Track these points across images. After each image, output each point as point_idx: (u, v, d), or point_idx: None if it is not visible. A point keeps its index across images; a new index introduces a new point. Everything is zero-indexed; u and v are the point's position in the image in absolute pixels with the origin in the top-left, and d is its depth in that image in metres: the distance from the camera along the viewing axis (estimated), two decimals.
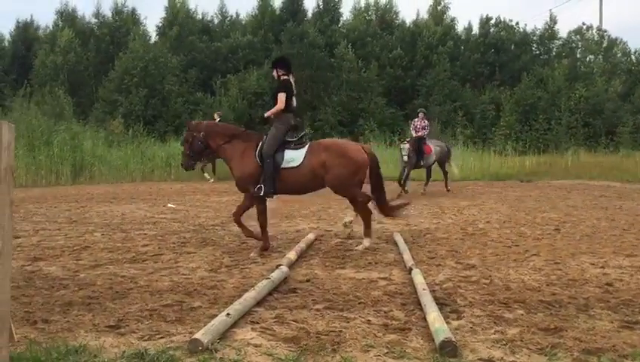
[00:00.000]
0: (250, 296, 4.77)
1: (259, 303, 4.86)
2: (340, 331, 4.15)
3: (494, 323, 4.43)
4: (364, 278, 5.99)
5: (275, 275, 5.57)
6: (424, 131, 15.77)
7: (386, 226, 9.81)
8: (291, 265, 6.38)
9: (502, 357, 3.66)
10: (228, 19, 37.96)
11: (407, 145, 15.17)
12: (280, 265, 6.07)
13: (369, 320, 4.47)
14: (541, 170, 22.61)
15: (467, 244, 8.06)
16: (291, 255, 6.77)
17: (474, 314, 4.69)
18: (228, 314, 4.19)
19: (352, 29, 34.58)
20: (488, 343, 3.94)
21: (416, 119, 16.08)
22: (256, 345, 3.84)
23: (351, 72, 30.82)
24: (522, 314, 4.67)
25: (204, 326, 3.97)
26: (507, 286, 5.65)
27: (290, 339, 3.96)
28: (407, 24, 35.69)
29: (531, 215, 11.21)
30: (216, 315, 4.23)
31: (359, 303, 4.98)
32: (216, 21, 37.68)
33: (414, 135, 15.67)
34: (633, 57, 33.11)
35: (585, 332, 4.16)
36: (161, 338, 4.00)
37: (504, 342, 3.94)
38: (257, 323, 4.36)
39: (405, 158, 15.04)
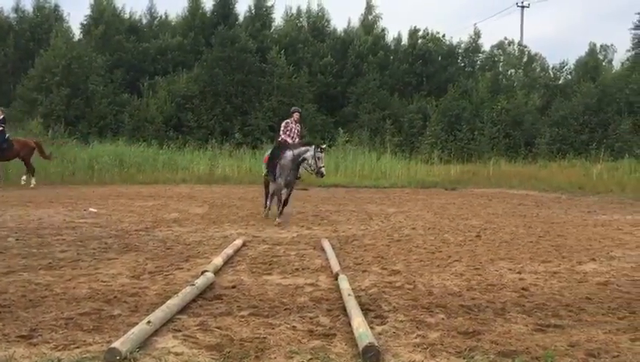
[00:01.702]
0: (173, 303, 4.65)
1: (182, 310, 4.74)
2: (265, 338, 4.12)
3: (416, 327, 4.52)
4: (290, 284, 5.97)
5: (200, 282, 5.47)
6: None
7: (315, 232, 9.84)
8: (217, 271, 6.28)
9: (422, 361, 3.73)
10: (157, 19, 37.17)
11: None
12: (205, 271, 5.96)
13: (294, 326, 4.46)
14: (465, 178, 23.37)
15: (393, 250, 8.20)
16: (217, 261, 6.66)
17: (397, 318, 4.77)
18: (149, 321, 4.07)
19: (283, 34, 34.65)
20: (410, 347, 4.02)
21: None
22: (177, 354, 3.75)
23: (282, 77, 30.84)
24: (443, 319, 4.78)
25: (124, 334, 3.83)
26: (430, 291, 5.78)
27: (213, 347, 3.89)
28: (339, 32, 36.12)
29: (454, 222, 11.55)
30: (137, 323, 4.10)
31: (285, 309, 4.96)
32: (144, 21, 36.81)
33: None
34: (551, 72, 34.90)
35: (501, 336, 4.31)
36: (77, 348, 3.83)
37: (425, 346, 4.02)
38: (180, 330, 4.26)
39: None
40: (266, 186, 11.99)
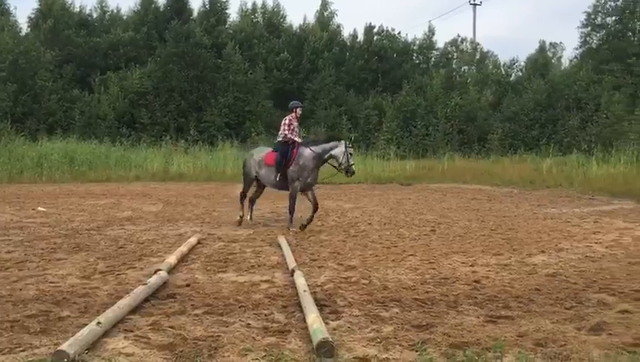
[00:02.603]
0: (124, 303, 4.56)
1: (134, 310, 4.65)
2: (219, 336, 4.08)
3: (371, 322, 4.56)
4: (246, 281, 5.94)
5: (153, 281, 5.38)
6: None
7: (271, 229, 9.80)
8: (171, 270, 6.19)
9: (376, 355, 3.76)
10: (108, 13, 36.26)
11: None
12: (159, 269, 5.86)
13: (249, 324, 4.43)
14: (420, 173, 23.65)
15: (349, 246, 8.25)
16: (171, 259, 6.56)
17: (352, 313, 4.80)
18: (98, 322, 3.97)
19: (238, 30, 34.35)
20: (364, 342, 4.04)
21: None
22: (128, 354, 3.67)
23: (238, 73, 30.57)
24: (397, 313, 4.84)
25: (72, 336, 3.73)
26: (385, 285, 5.84)
27: (166, 346, 3.83)
28: (294, 28, 36.05)
29: (410, 217, 11.69)
30: (87, 325, 4.00)
31: (240, 307, 4.93)
32: (95, 15, 35.87)
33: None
34: (502, 69, 35.67)
35: (453, 328, 4.38)
36: (22, 351, 3.71)
37: (379, 340, 4.06)
38: (131, 331, 4.18)
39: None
40: (245, 191, 10.65)
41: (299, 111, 10.42)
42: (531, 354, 3.80)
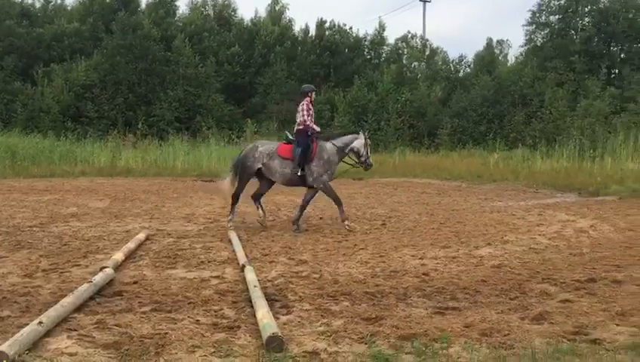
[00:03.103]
0: (68, 302, 4.43)
1: (78, 309, 4.53)
2: (166, 333, 4.01)
3: (321, 316, 4.57)
4: (195, 278, 5.86)
5: (99, 278, 5.24)
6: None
7: (222, 224, 9.69)
8: (118, 267, 6.05)
9: (325, 349, 3.78)
10: (51, 4, 35.11)
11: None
12: (105, 267, 5.72)
13: (198, 320, 4.38)
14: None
15: (300, 240, 8.25)
16: (118, 256, 6.41)
17: (303, 308, 4.80)
18: (40, 322, 3.84)
19: (188, 22, 33.82)
20: (314, 336, 4.05)
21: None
22: (71, 354, 3.57)
23: (188, 66, 30.10)
24: (348, 306, 4.86)
25: (12, 336, 3.59)
26: (336, 279, 5.86)
27: (111, 345, 3.74)
28: (245, 22, 35.75)
29: (361, 211, 11.77)
30: (28, 324, 3.86)
31: (189, 303, 4.86)
32: (37, 5, 34.68)
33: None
34: (451, 66, 36.33)
35: (402, 320, 4.44)
36: None
37: (329, 334, 4.08)
38: (75, 330, 4.06)
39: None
40: (241, 189, 9.59)
41: (313, 95, 9.72)
42: (477, 344, 3.89)
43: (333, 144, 9.47)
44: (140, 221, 9.94)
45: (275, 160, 9.33)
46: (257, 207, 9.60)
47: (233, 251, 7.21)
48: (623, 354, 3.66)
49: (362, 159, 9.63)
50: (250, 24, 35.48)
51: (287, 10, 37.17)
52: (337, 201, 9.46)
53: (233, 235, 8.19)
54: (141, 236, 7.96)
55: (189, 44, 30.80)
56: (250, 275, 5.56)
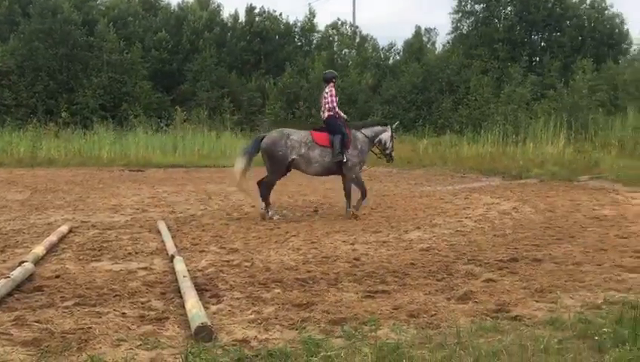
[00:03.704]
0: None
1: None
2: (90, 327, 3.87)
3: (252, 303, 4.54)
4: (122, 270, 5.69)
5: (17, 273, 4.99)
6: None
7: (151, 214, 9.46)
8: (38, 261, 5.78)
9: (255, 336, 3.76)
10: None
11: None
12: (24, 261, 5.45)
13: (124, 313, 4.25)
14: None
15: (232, 229, 8.16)
16: (38, 249, 6.13)
17: (234, 296, 4.76)
18: None
19: (112, 7, 32.59)
20: (244, 324, 4.02)
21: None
22: None
23: (112, 52, 29.01)
24: (279, 293, 4.85)
25: None
26: (267, 267, 5.84)
27: (30, 342, 3.57)
28: (172, 7, 34.82)
29: (293, 198, 11.78)
30: None
31: (115, 296, 4.71)
32: None
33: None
34: (381, 53, 36.73)
35: (333, 305, 4.47)
36: None
37: (259, 322, 4.06)
38: None
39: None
40: (276, 180, 9.42)
41: (334, 81, 9.53)
42: (404, 325, 3.97)
43: (363, 134, 9.44)
44: (62, 213, 9.55)
45: (315, 149, 9.07)
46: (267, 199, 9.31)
47: (162, 241, 7.05)
48: (542, 329, 3.83)
49: (387, 151, 9.75)
50: (177, 9, 34.58)
51: None
52: (364, 193, 9.44)
53: (162, 225, 8.00)
54: (64, 228, 7.64)
55: (113, 29, 29.67)
56: (180, 265, 5.45)
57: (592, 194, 11.58)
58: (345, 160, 9.06)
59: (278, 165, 9.15)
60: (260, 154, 9.41)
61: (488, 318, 4.13)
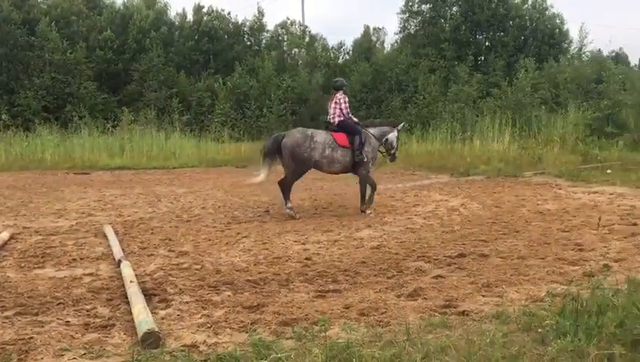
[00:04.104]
0: None
1: None
2: (31, 337, 3.74)
3: (202, 307, 4.48)
4: (66, 276, 5.52)
5: None
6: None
7: (97, 219, 9.21)
8: None
9: (205, 341, 3.71)
10: None
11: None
12: None
13: (68, 322, 4.12)
14: (255, 155, 23.57)
15: (181, 231, 8.03)
16: None
17: (183, 300, 4.68)
18: None
19: (54, 5, 31.57)
20: (194, 328, 3.96)
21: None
22: None
23: (55, 52, 28.12)
24: (229, 296, 4.80)
25: None
26: (218, 269, 5.77)
27: None
28: (117, 5, 34.00)
29: (245, 199, 11.69)
30: None
31: (58, 304, 4.56)
32: None
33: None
34: (331, 52, 36.88)
35: (284, 306, 4.45)
36: None
37: (209, 325, 4.00)
38: None
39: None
40: (297, 179, 9.65)
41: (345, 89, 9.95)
42: (355, 324, 4.00)
43: (374, 135, 9.83)
44: (3, 219, 9.18)
45: (337, 150, 9.40)
46: (287, 197, 9.45)
47: (109, 246, 6.87)
48: (488, 323, 3.91)
49: (392, 152, 10.12)
50: (122, 8, 33.79)
51: None
52: (372, 187, 9.74)
53: (109, 230, 7.81)
54: (4, 235, 7.36)
55: (55, 29, 28.76)
56: (127, 270, 5.34)
57: (536, 190, 11.92)
58: (365, 159, 9.48)
59: (302, 166, 9.40)
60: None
61: (437, 314, 4.19)
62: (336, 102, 9.66)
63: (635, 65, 36.12)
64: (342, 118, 9.58)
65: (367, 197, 9.68)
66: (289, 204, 9.31)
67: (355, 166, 9.55)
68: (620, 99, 19.59)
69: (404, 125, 11.52)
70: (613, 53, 34.64)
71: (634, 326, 3.34)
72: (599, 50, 33.30)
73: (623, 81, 22.89)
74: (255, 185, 9.48)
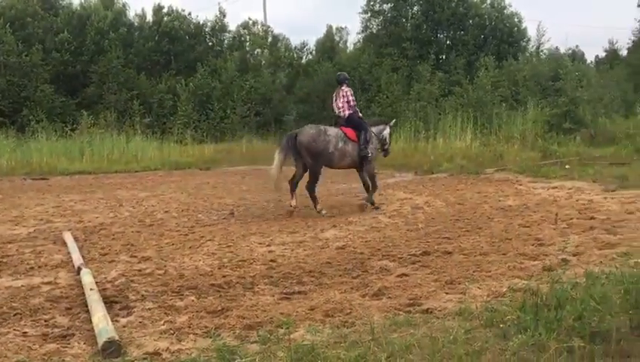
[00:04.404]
0: None
1: None
2: None
3: (165, 313, 4.41)
4: (23, 286, 5.36)
5: None
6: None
7: (56, 225, 8.98)
8: None
9: (167, 348, 3.65)
10: None
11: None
12: None
13: (25, 332, 4.01)
14: (219, 157, 23.56)
15: (144, 236, 7.90)
16: None
17: (145, 307, 4.60)
18: None
19: (8, 6, 30.70)
20: (156, 335, 3.90)
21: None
22: None
23: (10, 55, 27.35)
24: (193, 301, 4.74)
25: None
26: (181, 274, 5.70)
27: None
28: (74, 6, 33.25)
29: (209, 201, 11.57)
30: None
31: (15, 315, 4.43)
32: None
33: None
34: (294, 52, 36.83)
35: (249, 309, 4.42)
36: None
37: (172, 332, 3.94)
38: None
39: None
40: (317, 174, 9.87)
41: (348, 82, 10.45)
42: (320, 326, 3.98)
43: (373, 132, 10.15)
44: None
45: (349, 144, 9.73)
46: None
47: (68, 253, 6.71)
48: (452, 321, 3.95)
49: (386, 147, 10.57)
50: (79, 8, 33.06)
51: None
52: (375, 185, 10.13)
53: (68, 236, 7.62)
54: None
55: (9, 31, 27.99)
56: (87, 278, 5.22)
57: (498, 186, 12.12)
58: (370, 154, 9.85)
59: (321, 159, 9.65)
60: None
61: (401, 313, 4.21)
62: (343, 96, 10.00)
63: (591, 62, 37.10)
64: (351, 111, 9.95)
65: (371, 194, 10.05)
66: (319, 207, 9.66)
67: (361, 161, 9.87)
68: (576, 96, 20.05)
69: (395, 121, 11.90)
70: (570, 51, 35.46)
71: (592, 319, 3.42)
72: (556, 48, 34.14)
73: (579, 79, 23.45)
74: (274, 180, 9.73)
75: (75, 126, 23.98)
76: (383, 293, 4.72)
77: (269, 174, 9.74)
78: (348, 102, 9.94)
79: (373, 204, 9.93)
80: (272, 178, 9.71)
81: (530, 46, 33.39)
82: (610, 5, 67.42)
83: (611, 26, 77.08)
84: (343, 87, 10.08)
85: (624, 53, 32.42)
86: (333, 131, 9.75)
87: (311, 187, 9.72)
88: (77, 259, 6.23)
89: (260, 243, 7.20)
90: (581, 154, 16.18)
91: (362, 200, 10.08)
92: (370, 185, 10.06)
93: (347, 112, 9.92)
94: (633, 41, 29.87)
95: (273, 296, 4.84)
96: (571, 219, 7.86)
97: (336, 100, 10.10)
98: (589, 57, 38.54)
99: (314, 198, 9.71)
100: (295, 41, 40.42)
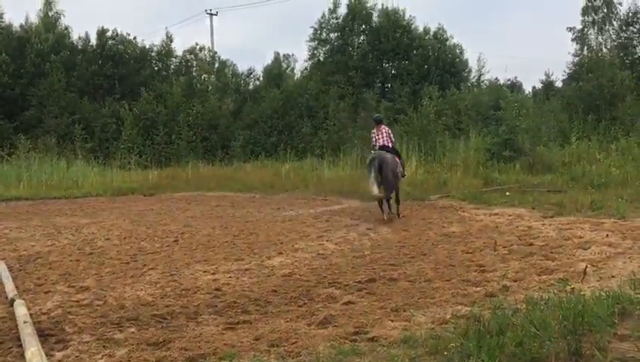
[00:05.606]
0: None
1: None
2: None
3: (103, 346, 4.25)
4: None
5: None
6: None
7: None
8: None
9: None
10: None
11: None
12: None
13: None
14: (164, 183, 23.15)
15: (82, 265, 7.64)
16: None
17: (82, 340, 4.42)
18: None
19: None
20: None
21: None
22: None
23: None
24: (134, 332, 4.59)
25: None
26: (122, 304, 5.51)
27: None
28: (14, 28, 32.36)
29: (152, 228, 11.31)
30: None
31: None
32: None
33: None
34: (241, 78, 36.88)
35: (191, 341, 4.30)
36: None
37: None
38: None
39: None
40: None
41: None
42: (265, 356, 3.92)
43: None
44: None
45: (399, 167, 12.07)
46: (383, 210, 11.61)
47: (1, 284, 6.40)
48: (397, 349, 3.95)
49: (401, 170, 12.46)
50: (19, 30, 32.20)
51: (62, 17, 34.45)
52: (398, 201, 12.22)
53: (1, 266, 7.28)
54: None
55: None
56: (20, 309, 4.98)
57: (442, 213, 12.34)
58: (405, 176, 13.03)
59: (397, 178, 11.95)
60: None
61: (347, 342, 4.19)
62: (384, 132, 12.22)
63: (529, 93, 38.64)
64: (392, 143, 12.31)
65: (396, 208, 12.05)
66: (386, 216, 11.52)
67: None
68: (516, 125, 20.74)
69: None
70: (509, 82, 36.86)
71: (532, 345, 3.48)
72: (496, 78, 35.42)
73: (518, 108, 24.35)
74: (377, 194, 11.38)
75: (12, 150, 23.17)
76: (329, 322, 4.69)
77: (372, 193, 11.52)
78: (390, 137, 12.22)
79: (398, 215, 11.89)
80: (377, 193, 11.40)
81: (472, 76, 34.55)
82: (547, 39, 70.88)
83: (547, 59, 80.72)
84: (382, 126, 12.40)
85: (559, 84, 33.92)
86: (390, 155, 11.88)
87: (396, 198, 12.06)
88: (10, 289, 5.96)
89: (205, 272, 7.07)
90: (521, 182, 16.68)
91: (392, 213, 11.86)
92: (399, 201, 12.22)
93: (390, 144, 12.16)
94: (568, 74, 31.29)
95: (217, 326, 4.74)
96: (512, 245, 8.05)
97: (377, 135, 12.18)
98: (527, 88, 40.08)
99: (383, 206, 11.62)
100: (242, 67, 40.58)
